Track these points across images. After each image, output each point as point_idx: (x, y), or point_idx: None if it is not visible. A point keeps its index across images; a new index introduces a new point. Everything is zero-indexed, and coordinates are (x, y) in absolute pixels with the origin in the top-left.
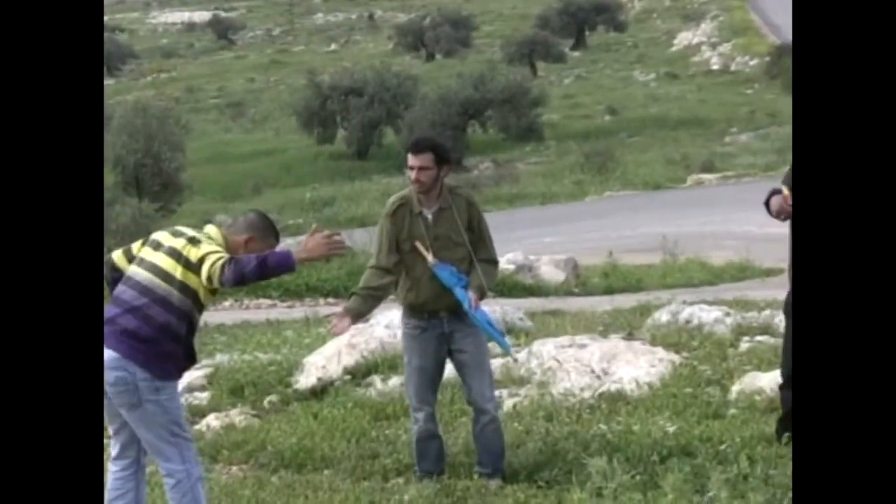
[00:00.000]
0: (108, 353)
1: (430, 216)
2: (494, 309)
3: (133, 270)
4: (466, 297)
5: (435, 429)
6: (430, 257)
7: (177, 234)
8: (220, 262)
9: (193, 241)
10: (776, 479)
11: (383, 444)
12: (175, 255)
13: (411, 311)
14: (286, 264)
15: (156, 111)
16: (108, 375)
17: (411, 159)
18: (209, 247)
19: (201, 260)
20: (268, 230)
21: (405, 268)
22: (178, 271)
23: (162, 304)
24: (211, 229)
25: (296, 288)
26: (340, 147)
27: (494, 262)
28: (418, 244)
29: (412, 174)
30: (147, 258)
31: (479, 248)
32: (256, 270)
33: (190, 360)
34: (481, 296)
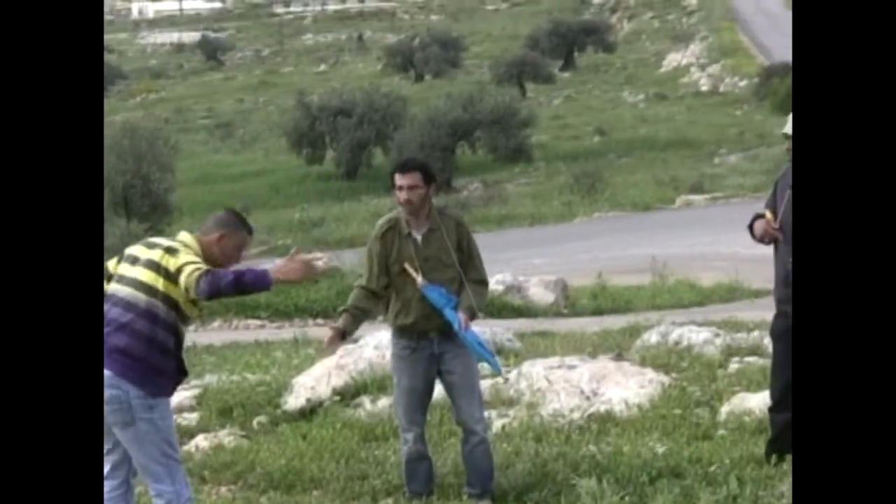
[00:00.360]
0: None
1: (419, 238)
2: (484, 330)
3: (114, 288)
4: (457, 318)
5: (424, 450)
6: (419, 279)
7: (152, 246)
8: (197, 274)
9: (170, 251)
10: (765, 501)
11: (372, 465)
12: (154, 267)
13: (401, 332)
14: (262, 282)
15: (145, 132)
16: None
17: (399, 179)
18: (186, 256)
19: (179, 270)
20: (238, 224)
21: (395, 289)
22: (159, 283)
23: (148, 318)
24: (184, 236)
25: (285, 308)
26: (329, 168)
27: (484, 283)
28: (408, 266)
29: (401, 195)
30: (127, 274)
31: (468, 269)
32: (232, 285)
33: (181, 373)
34: (472, 316)
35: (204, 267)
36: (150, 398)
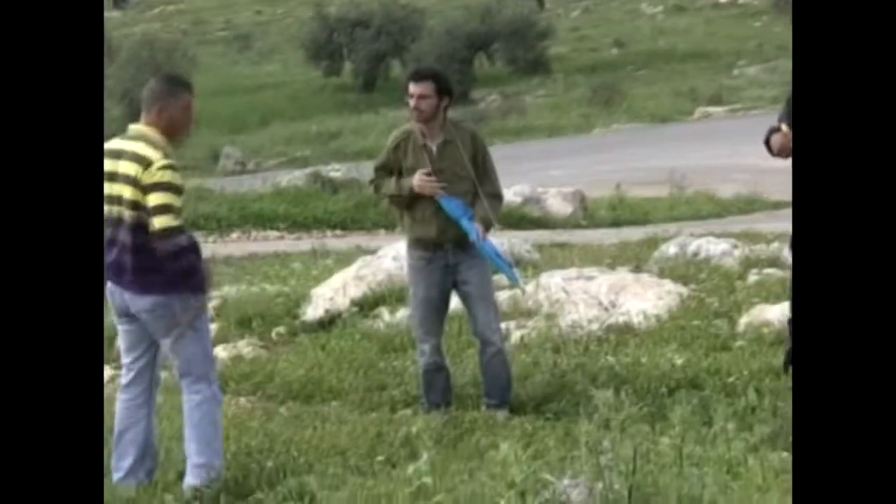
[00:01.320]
0: (136, 291)
1: (434, 149)
2: (502, 241)
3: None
4: (474, 229)
5: (442, 361)
6: (437, 189)
7: (121, 156)
8: (167, 229)
9: (143, 163)
10: (784, 411)
11: (391, 376)
12: (132, 182)
13: (416, 243)
14: (197, 284)
15: (163, 44)
16: (143, 302)
17: (411, 87)
18: (161, 193)
19: (156, 199)
20: (171, 89)
21: (411, 201)
22: (141, 198)
23: (144, 230)
24: (136, 129)
25: (303, 220)
26: (347, 80)
27: (499, 197)
28: (420, 176)
29: (412, 102)
30: (109, 192)
31: (483, 182)
32: (180, 265)
33: (200, 259)
34: (488, 227)
35: (175, 223)
36: (192, 299)
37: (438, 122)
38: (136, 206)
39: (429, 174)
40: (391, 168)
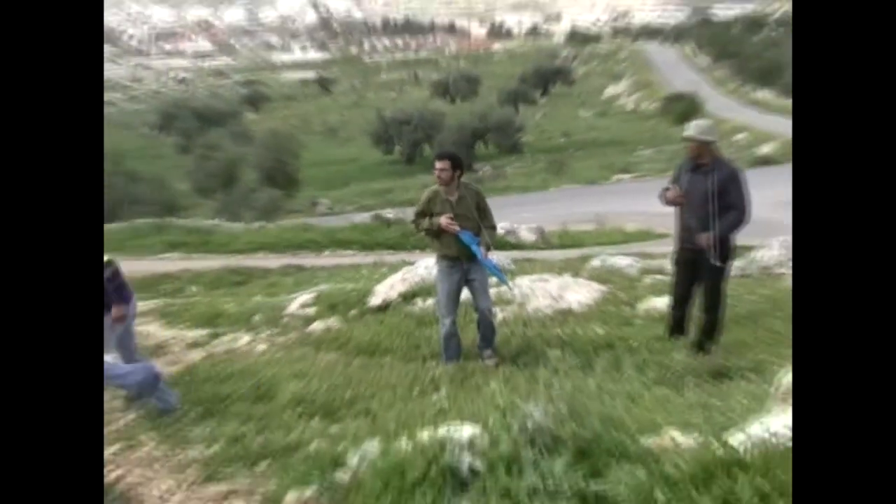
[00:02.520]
0: None
1: (453, 201)
2: (494, 257)
3: None
4: (479, 250)
5: (455, 331)
6: (455, 227)
7: None
8: None
9: None
10: (665, 363)
11: (423, 341)
12: None
13: (442, 258)
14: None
15: (282, 134)
16: None
17: (437, 163)
18: None
19: None
20: None
21: (438, 233)
22: None
23: None
24: None
25: (368, 244)
26: (397, 157)
27: (494, 228)
28: (445, 219)
29: (437, 172)
30: None
31: (484, 219)
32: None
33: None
34: (487, 249)
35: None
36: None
37: (454, 184)
38: None
39: (451, 218)
40: (425, 213)
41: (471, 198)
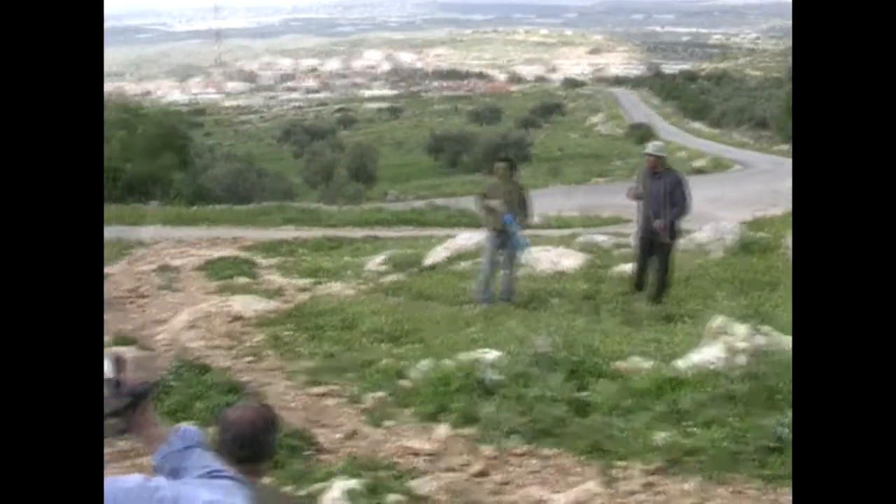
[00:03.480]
0: None
1: (505, 191)
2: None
3: None
4: (514, 226)
5: (491, 279)
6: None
7: None
8: None
9: None
10: (629, 308)
11: (461, 291)
12: None
13: (492, 230)
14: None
15: (363, 146)
16: None
17: (496, 164)
18: None
19: None
20: None
21: (491, 212)
22: None
23: None
24: None
25: (424, 222)
26: (443, 163)
27: (528, 216)
28: (495, 202)
29: (497, 172)
30: None
31: (522, 208)
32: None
33: None
34: (524, 228)
35: None
36: None
37: (507, 179)
38: None
39: (500, 203)
40: (486, 196)
41: (516, 191)
